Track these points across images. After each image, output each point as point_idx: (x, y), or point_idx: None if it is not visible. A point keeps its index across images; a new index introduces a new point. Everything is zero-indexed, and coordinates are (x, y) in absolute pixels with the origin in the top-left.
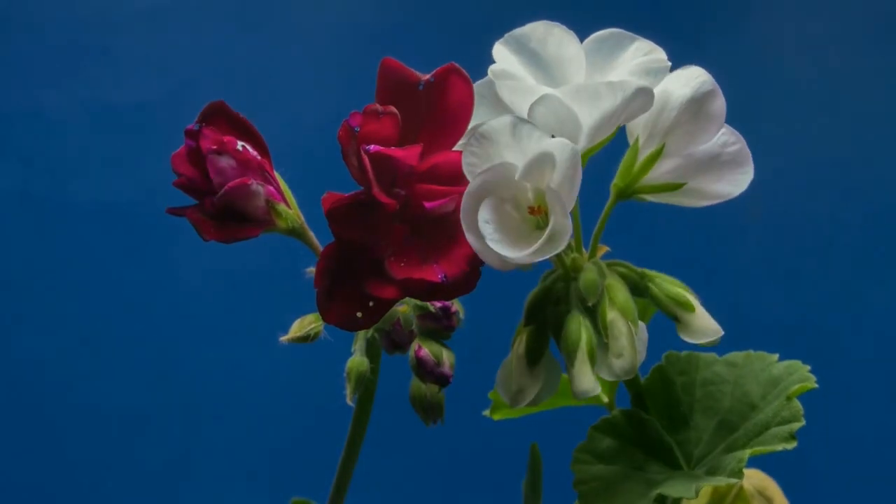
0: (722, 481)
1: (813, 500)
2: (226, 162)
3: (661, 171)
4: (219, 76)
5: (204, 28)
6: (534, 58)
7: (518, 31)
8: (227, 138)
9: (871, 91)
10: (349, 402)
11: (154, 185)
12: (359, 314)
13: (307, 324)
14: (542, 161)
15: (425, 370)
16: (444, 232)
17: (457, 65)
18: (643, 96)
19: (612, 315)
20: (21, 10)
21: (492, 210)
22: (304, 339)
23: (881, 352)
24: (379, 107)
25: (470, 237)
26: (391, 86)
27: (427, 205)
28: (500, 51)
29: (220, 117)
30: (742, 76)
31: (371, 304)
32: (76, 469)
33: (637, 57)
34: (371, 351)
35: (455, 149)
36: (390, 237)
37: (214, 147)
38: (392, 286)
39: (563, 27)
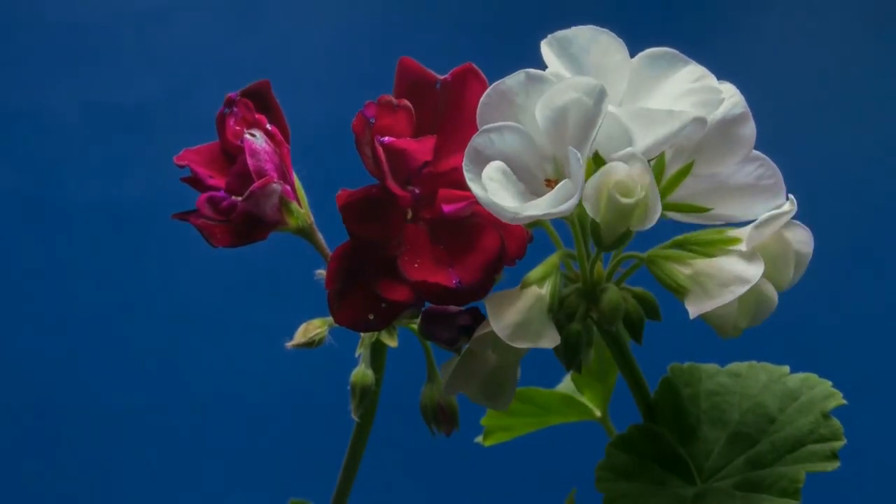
0: (776, 502)
1: None
2: (260, 144)
3: (688, 192)
4: (219, 76)
5: (204, 28)
6: (574, 62)
7: (562, 33)
8: (258, 116)
9: (871, 91)
10: (354, 417)
11: (154, 185)
12: (371, 316)
13: (312, 329)
14: (557, 119)
15: (443, 316)
16: (461, 236)
17: (474, 65)
18: (697, 126)
19: (689, 270)
20: (21, 9)
21: (501, 173)
22: (309, 344)
23: (879, 354)
24: (393, 99)
25: (473, 187)
26: (408, 85)
27: (445, 208)
28: (545, 52)
29: (255, 99)
30: (742, 76)
31: (383, 305)
32: (76, 469)
33: (688, 82)
34: (375, 359)
35: None
36: (404, 235)
37: (247, 127)
38: (405, 288)
39: (611, 34)
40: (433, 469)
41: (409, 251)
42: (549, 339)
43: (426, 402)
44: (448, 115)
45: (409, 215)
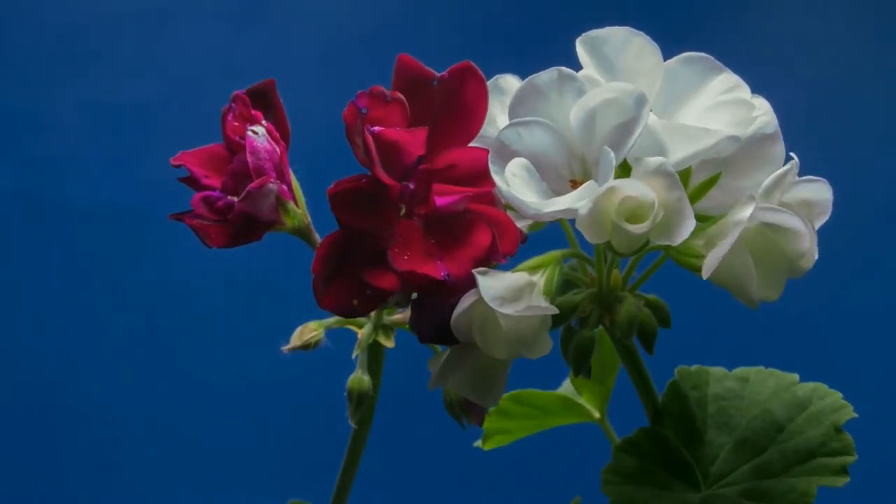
0: None
1: None
2: (261, 143)
3: (712, 203)
4: (219, 76)
5: (204, 28)
6: (606, 63)
7: (596, 32)
8: (254, 112)
9: (870, 92)
10: (352, 423)
11: (154, 185)
12: (355, 301)
13: (308, 332)
14: (593, 120)
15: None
16: (453, 231)
17: (472, 63)
18: (730, 143)
19: (702, 240)
20: (21, 10)
21: (525, 169)
22: (306, 347)
23: (875, 356)
24: (386, 90)
25: (496, 179)
26: (406, 82)
27: (438, 201)
28: (579, 50)
29: (259, 97)
30: (741, 73)
31: (368, 292)
32: (76, 469)
33: (721, 91)
34: (373, 362)
35: (471, 145)
36: (397, 229)
37: (244, 123)
38: (392, 276)
39: (646, 37)
40: (433, 472)
41: (400, 243)
42: (547, 310)
43: (451, 398)
44: (444, 112)
45: (403, 211)
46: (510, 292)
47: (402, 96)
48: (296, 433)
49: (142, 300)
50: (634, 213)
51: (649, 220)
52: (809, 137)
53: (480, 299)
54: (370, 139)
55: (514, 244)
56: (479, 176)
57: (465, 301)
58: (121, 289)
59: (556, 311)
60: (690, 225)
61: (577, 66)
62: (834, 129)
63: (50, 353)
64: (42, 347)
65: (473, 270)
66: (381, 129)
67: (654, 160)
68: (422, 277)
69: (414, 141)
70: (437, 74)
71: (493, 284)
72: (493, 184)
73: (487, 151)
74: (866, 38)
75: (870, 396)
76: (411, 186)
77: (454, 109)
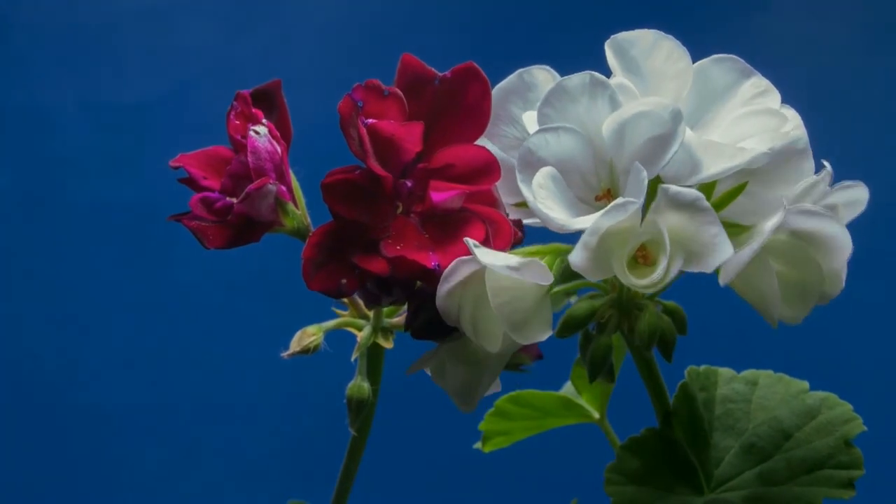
0: None
1: None
2: (262, 143)
3: (739, 210)
4: (219, 76)
5: (204, 28)
6: (633, 65)
7: (624, 34)
8: (255, 111)
9: (869, 91)
10: (352, 430)
11: (154, 185)
12: (343, 280)
13: (307, 337)
14: (626, 131)
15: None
16: (448, 227)
17: (475, 64)
18: (763, 158)
19: (735, 243)
20: (21, 10)
21: (551, 180)
22: (305, 352)
23: (876, 357)
24: (383, 85)
25: (523, 189)
26: (408, 81)
27: (434, 196)
28: (607, 52)
29: (263, 98)
30: None
31: (356, 272)
32: (75, 469)
33: (752, 97)
34: (372, 364)
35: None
36: (392, 224)
37: (245, 121)
38: (382, 261)
39: (674, 41)
40: (433, 473)
41: (394, 236)
42: (540, 275)
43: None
44: (446, 112)
45: (400, 209)
46: (503, 261)
47: (399, 91)
48: (296, 434)
49: (142, 300)
50: (645, 248)
51: (660, 267)
52: (809, 138)
53: (469, 283)
54: (364, 131)
55: (507, 243)
56: (477, 174)
57: (453, 276)
58: (120, 289)
59: (550, 279)
60: (727, 252)
61: (582, 68)
62: (834, 129)
63: (50, 352)
64: (42, 347)
65: (465, 238)
66: (375, 121)
67: (689, 193)
68: (411, 263)
69: (409, 136)
70: (440, 74)
71: (486, 252)
72: (490, 182)
73: (486, 149)
74: (866, 40)
75: (879, 407)
76: (409, 184)
77: (456, 110)
